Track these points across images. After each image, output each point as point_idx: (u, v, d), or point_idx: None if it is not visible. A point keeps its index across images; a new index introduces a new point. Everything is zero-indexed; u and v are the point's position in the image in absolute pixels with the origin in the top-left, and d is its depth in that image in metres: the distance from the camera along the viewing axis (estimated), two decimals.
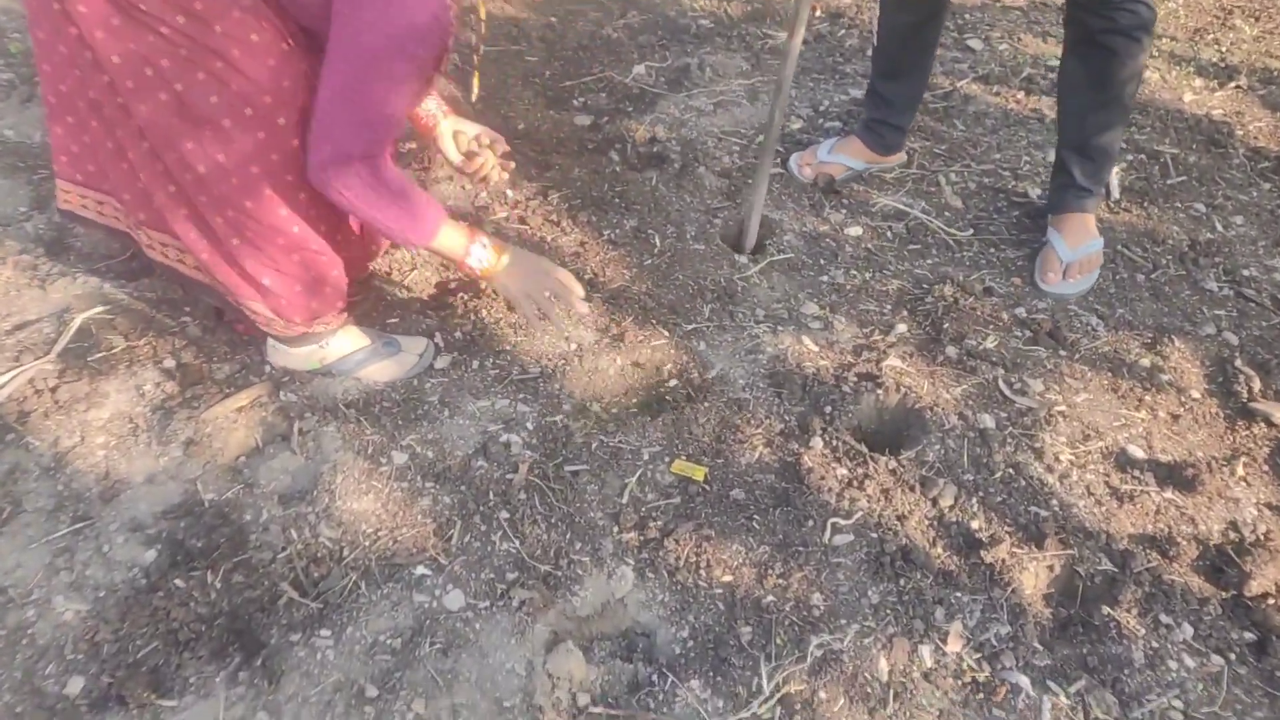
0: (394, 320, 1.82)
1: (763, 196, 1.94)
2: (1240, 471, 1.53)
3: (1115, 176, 2.19)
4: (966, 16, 2.94)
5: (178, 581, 1.35)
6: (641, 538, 1.43)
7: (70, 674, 1.25)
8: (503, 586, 1.36)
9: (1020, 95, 2.54)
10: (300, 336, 1.63)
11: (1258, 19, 2.97)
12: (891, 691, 1.24)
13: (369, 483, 1.51)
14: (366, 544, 1.42)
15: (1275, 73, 2.66)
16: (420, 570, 1.38)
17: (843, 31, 2.88)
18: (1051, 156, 2.16)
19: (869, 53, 2.63)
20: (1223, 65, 2.70)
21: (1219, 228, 2.07)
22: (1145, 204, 2.13)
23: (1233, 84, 2.59)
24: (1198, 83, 2.60)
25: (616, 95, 2.55)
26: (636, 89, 2.58)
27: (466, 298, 1.86)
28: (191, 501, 1.47)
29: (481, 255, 1.53)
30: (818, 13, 2.99)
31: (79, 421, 1.59)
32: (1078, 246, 1.91)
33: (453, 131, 1.76)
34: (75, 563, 1.38)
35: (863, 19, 2.94)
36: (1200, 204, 2.13)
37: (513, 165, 1.78)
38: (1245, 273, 1.94)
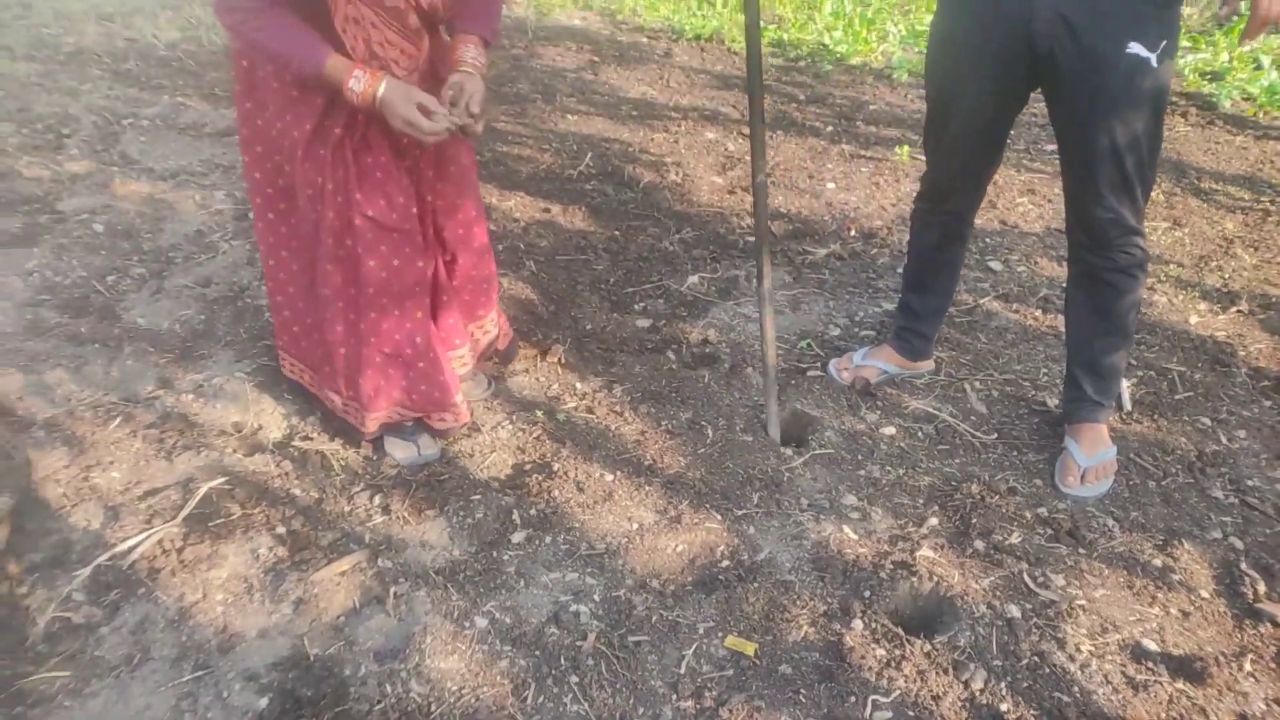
0: (476, 497, 2.04)
1: (774, 394, 2.21)
2: (1248, 667, 1.66)
3: (1127, 390, 2.41)
4: (988, 240, 3.27)
5: None
6: (698, 706, 1.58)
7: None
8: None
9: (1038, 313, 2.82)
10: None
11: (1257, 249, 3.27)
12: None
13: (454, 644, 1.69)
14: (451, 700, 1.58)
15: (1274, 299, 2.92)
16: None
17: (875, 250, 3.22)
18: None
19: (899, 269, 2.95)
20: (1225, 290, 2.97)
21: (1224, 440, 2.26)
22: (1155, 416, 2.34)
23: (1234, 308, 2.85)
24: (1202, 306, 2.87)
25: (673, 301, 2.87)
26: (690, 296, 2.90)
27: (540, 478, 2.09)
28: (299, 655, 1.66)
29: (357, 85, 1.71)
30: (852, 232, 3.35)
31: (201, 580, 1.81)
32: (1093, 454, 2.12)
33: (461, 82, 1.84)
34: (198, 706, 1.56)
35: (892, 239, 3.28)
36: (1206, 418, 2.34)
37: (479, 128, 1.88)
38: (1249, 483, 2.12)
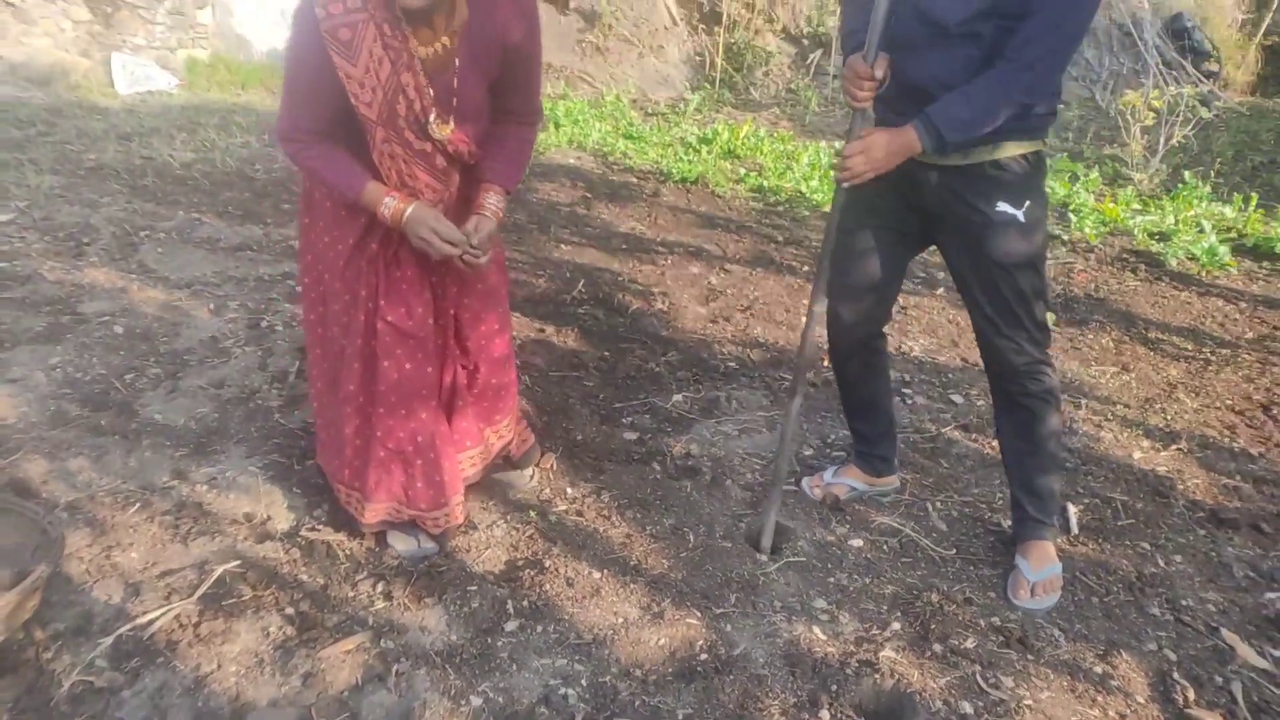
0: (473, 588, 2.19)
1: (776, 507, 2.38)
2: None
3: (1074, 515, 2.62)
4: (949, 375, 3.54)
5: None
6: None
7: None
8: None
9: (994, 443, 3.05)
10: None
11: (1198, 394, 3.56)
12: None
13: None
14: None
15: (1211, 439, 3.18)
16: None
17: None
18: None
19: None
20: (1167, 430, 3.23)
21: (1161, 564, 2.47)
22: (1099, 540, 2.55)
23: (1175, 446, 3.11)
24: (1145, 443, 3.12)
25: (659, 417, 3.08)
26: (675, 413, 3.12)
27: (533, 573, 2.25)
28: None
29: (386, 210, 1.99)
30: (825, 363, 3.61)
31: (215, 652, 1.93)
32: (1040, 569, 2.31)
33: (476, 221, 2.11)
34: None
35: None
36: (1146, 543, 2.55)
37: (483, 260, 2.12)
38: (1184, 602, 2.31)
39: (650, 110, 8.81)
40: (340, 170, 2.00)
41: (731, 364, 3.56)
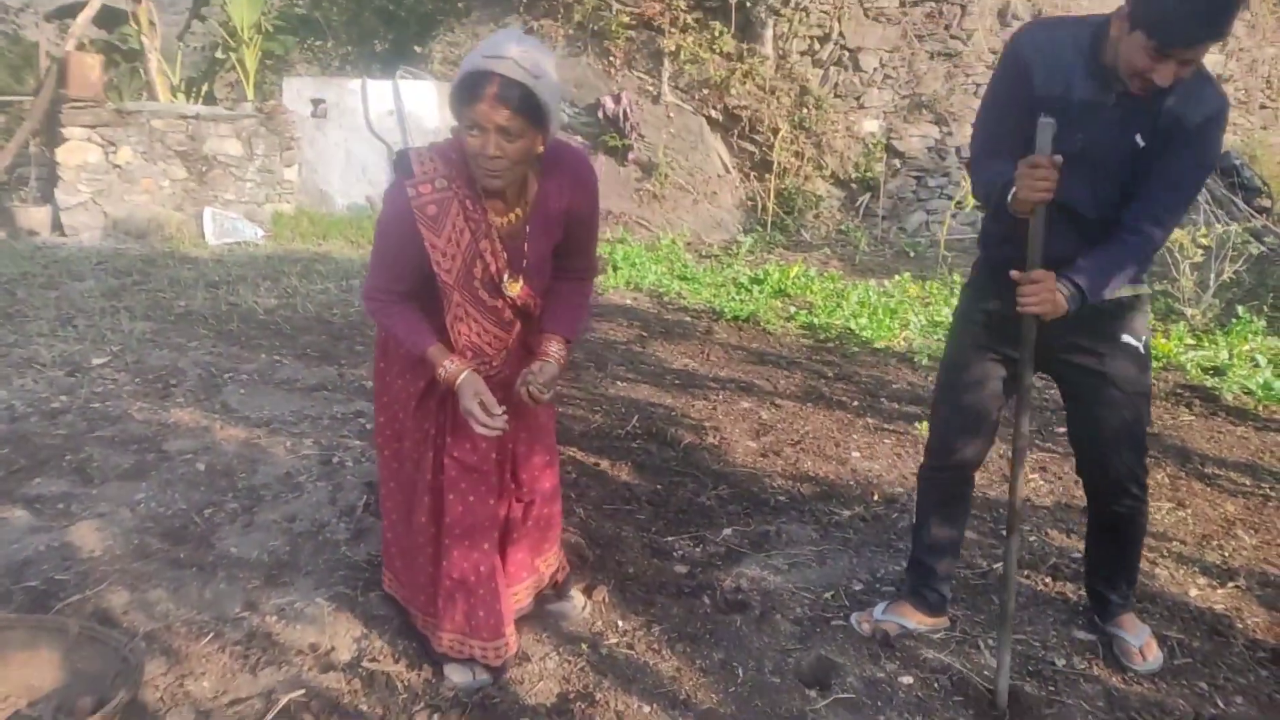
0: (525, 719, 2.25)
1: (1008, 652, 2.36)
2: None
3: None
4: (1000, 511, 3.55)
5: None
6: None
7: None
8: None
9: (1047, 579, 3.04)
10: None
11: (1257, 530, 3.50)
12: None
13: None
14: None
15: (1272, 577, 3.12)
16: None
17: (895, 514, 3.51)
18: (1075, 634, 2.67)
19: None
20: (1224, 567, 3.18)
21: (1220, 704, 2.41)
22: (1155, 680, 2.51)
23: (1232, 584, 3.05)
24: (1201, 580, 3.08)
25: (709, 551, 3.15)
26: (725, 547, 3.18)
27: (583, 705, 2.30)
28: None
29: (444, 373, 2.19)
30: (875, 497, 3.66)
31: None
32: (1138, 634, 2.57)
33: (540, 365, 2.30)
34: None
35: (911, 505, 3.57)
36: (1204, 683, 2.50)
37: (546, 396, 2.29)
38: None
39: (704, 252, 9.16)
40: (411, 329, 2.24)
41: (781, 498, 3.62)
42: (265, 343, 5.30)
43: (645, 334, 6.03)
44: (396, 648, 2.51)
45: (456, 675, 2.40)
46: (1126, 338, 2.33)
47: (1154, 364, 5.44)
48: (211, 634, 2.52)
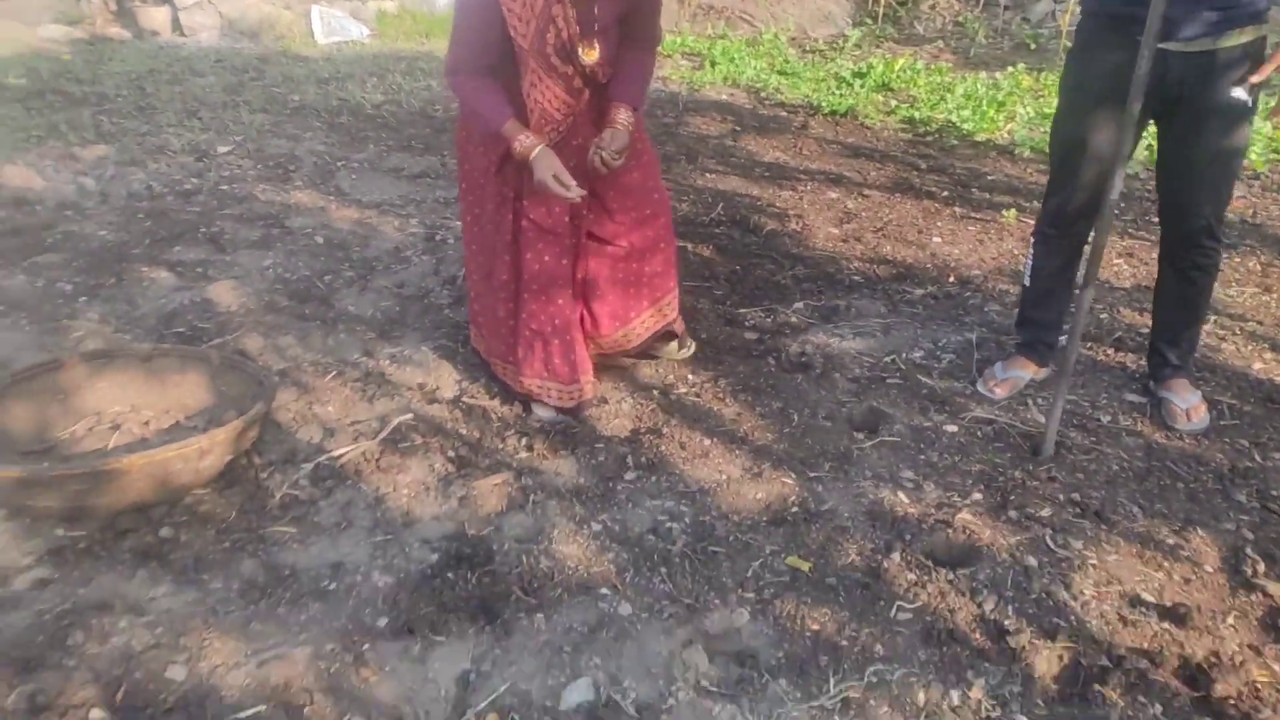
0: (600, 445, 2.56)
1: (1060, 404, 2.50)
2: (1231, 621, 1.95)
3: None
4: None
5: (449, 574, 2.06)
6: (757, 598, 2.01)
7: (380, 615, 1.95)
8: (658, 606, 1.97)
9: (1110, 350, 3.13)
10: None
11: None
12: (924, 714, 1.74)
13: (575, 538, 2.19)
14: (569, 572, 2.08)
15: None
16: (604, 590, 2.02)
17: (969, 294, 3.60)
18: (1126, 396, 2.79)
19: (988, 309, 3.34)
20: None
21: (1259, 459, 2.53)
22: (1198, 438, 2.63)
23: None
24: (1269, 356, 3.11)
25: (778, 321, 3.34)
26: (795, 319, 3.36)
27: (652, 438, 2.59)
28: (461, 533, 2.20)
29: (519, 146, 2.36)
30: (951, 279, 3.74)
31: (392, 480, 2.39)
32: (1188, 398, 2.69)
33: (611, 133, 2.47)
34: (386, 555, 2.12)
35: (987, 286, 3.66)
36: (1245, 441, 2.61)
37: (617, 162, 2.48)
38: (1274, 493, 2.39)
39: (808, 47, 8.84)
40: (490, 103, 2.39)
41: (856, 278, 3.75)
42: (373, 135, 5.55)
43: (738, 128, 6.02)
44: (492, 390, 2.84)
45: (542, 411, 2.71)
46: (1236, 91, 2.31)
47: (1273, 156, 5.19)
48: (334, 373, 2.90)
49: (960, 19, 9.65)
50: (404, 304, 3.40)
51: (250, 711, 1.70)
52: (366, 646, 1.86)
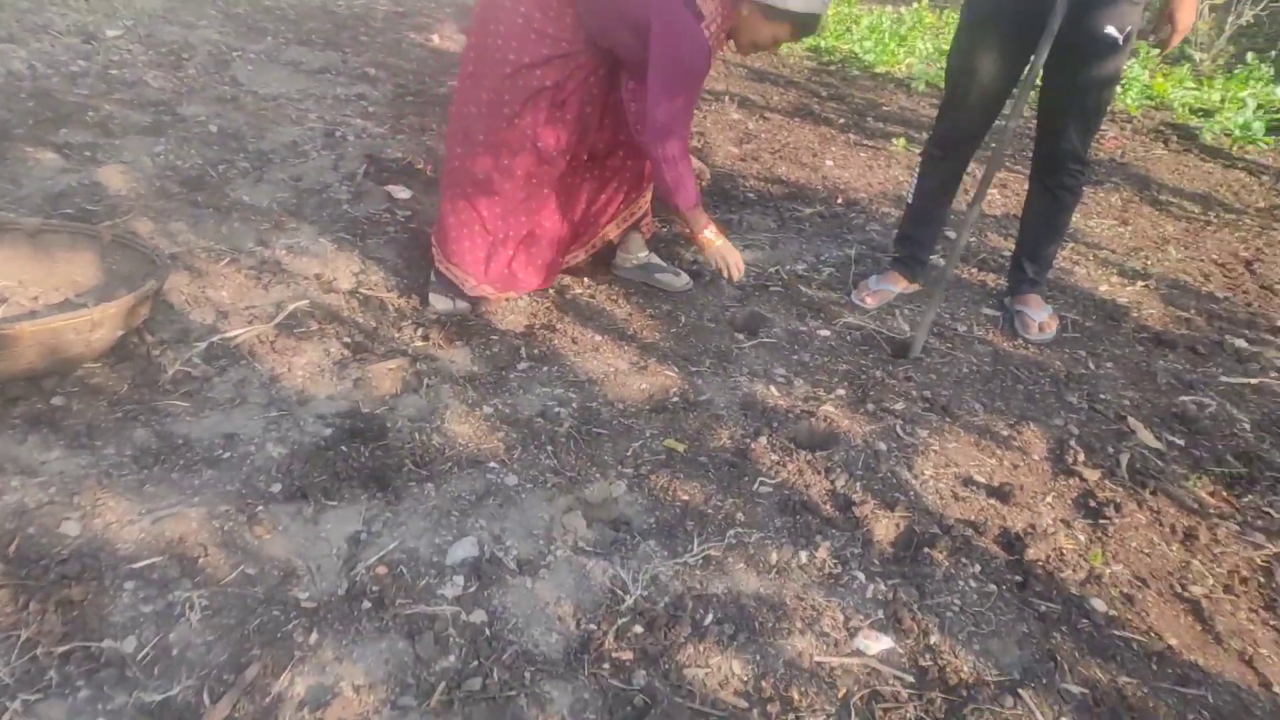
0: (494, 337, 2.67)
1: (932, 314, 2.72)
2: (1050, 500, 2.22)
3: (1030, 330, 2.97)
4: (953, 218, 3.83)
5: (343, 447, 2.15)
6: (635, 473, 2.18)
7: (274, 481, 2.04)
8: (542, 479, 2.12)
9: (974, 269, 3.38)
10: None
11: (1187, 248, 3.79)
12: (774, 570, 1.94)
13: (467, 419, 2.31)
14: (460, 448, 2.20)
15: (1182, 283, 3.45)
16: (492, 464, 2.15)
17: (854, 215, 3.80)
18: (983, 310, 3.02)
19: (869, 227, 3.54)
20: (1141, 272, 3.50)
21: (1092, 367, 2.82)
22: (1041, 348, 2.90)
23: (1142, 284, 3.39)
24: (1116, 279, 3.41)
25: (673, 232, 3.47)
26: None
27: (546, 332, 2.71)
28: (355, 411, 2.29)
29: (710, 233, 2.66)
30: (839, 200, 3.93)
31: (287, 361, 2.45)
32: (1040, 311, 2.98)
33: None
34: (280, 429, 2.20)
35: (872, 208, 3.87)
36: (1084, 351, 2.89)
37: None
38: (1102, 396, 2.67)
39: None
40: (690, 177, 2.58)
41: (750, 195, 3.90)
42: (271, 26, 5.38)
43: None
44: (390, 282, 2.90)
45: (440, 304, 2.80)
46: (1110, 29, 2.51)
47: (1145, 103, 5.53)
48: (228, 259, 2.90)
49: None
50: (300, 197, 3.39)
51: (145, 562, 1.78)
52: (260, 508, 1.96)
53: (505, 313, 2.83)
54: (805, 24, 2.46)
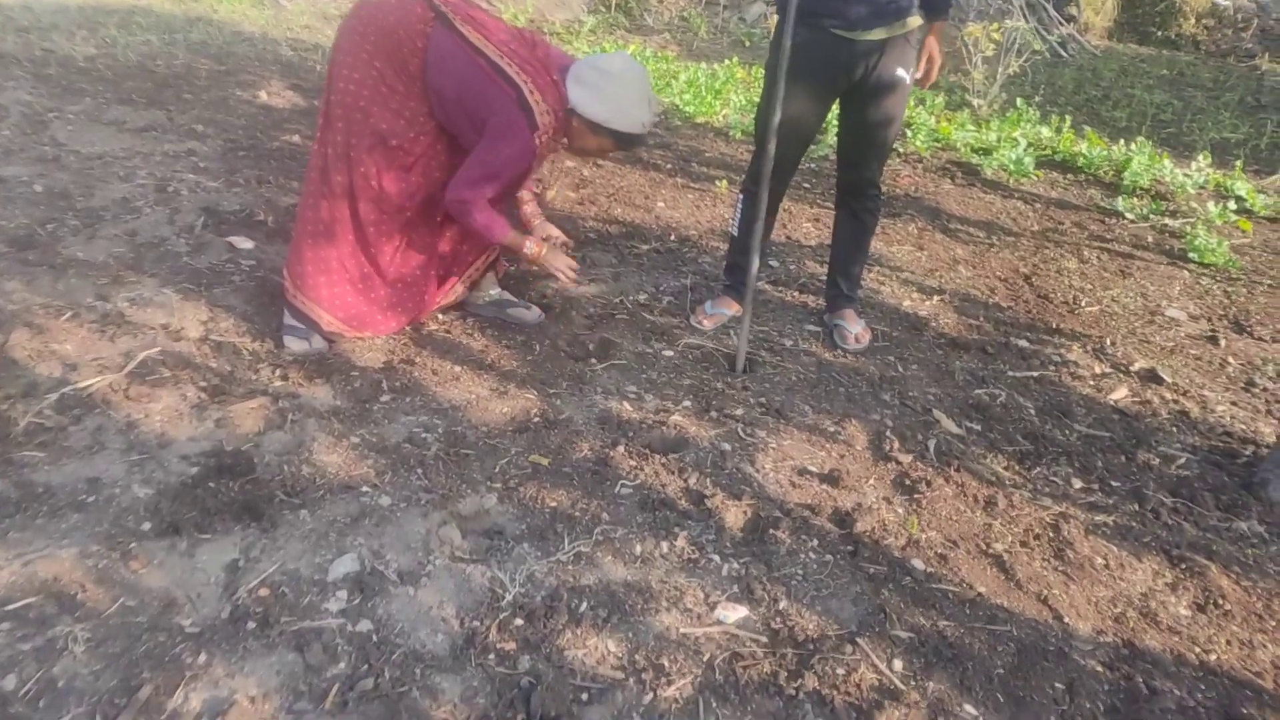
0: (355, 374, 2.75)
1: (747, 328, 3.00)
2: (872, 483, 2.52)
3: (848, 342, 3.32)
4: (775, 248, 4.21)
5: (210, 484, 2.19)
6: (504, 487, 2.32)
7: (143, 520, 2.05)
8: (415, 497, 2.23)
9: (795, 293, 3.73)
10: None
11: (975, 268, 4.30)
12: (640, 560, 2.12)
13: (335, 450, 2.38)
14: (331, 476, 2.28)
15: (973, 296, 3.92)
16: (365, 488, 2.24)
17: (686, 249, 4.10)
18: (806, 327, 3.35)
19: (701, 260, 3.83)
20: (938, 289, 3.96)
21: (901, 370, 3.18)
22: (858, 356, 3.25)
23: (939, 298, 3.84)
24: (916, 295, 3.85)
25: (522, 270, 3.66)
26: (537, 268, 3.69)
27: (405, 366, 2.82)
28: (220, 450, 2.33)
29: (530, 247, 2.86)
30: (672, 237, 4.23)
31: (143, 408, 2.46)
32: (856, 324, 3.32)
33: (544, 231, 3.14)
34: (145, 471, 2.21)
35: (701, 243, 4.18)
36: (893, 357, 3.27)
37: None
38: (910, 394, 3.03)
39: (547, 30, 9.19)
40: (499, 221, 2.80)
41: (591, 234, 4.14)
42: (89, 87, 5.23)
43: None
44: (241, 327, 2.93)
45: (295, 345, 2.85)
46: (900, 71, 2.89)
47: (934, 144, 6.20)
48: (69, 314, 2.86)
49: (685, 14, 10.42)
50: (138, 251, 3.36)
51: (20, 603, 1.77)
52: (133, 545, 1.97)
53: (363, 350, 2.91)
54: (627, 141, 2.84)
